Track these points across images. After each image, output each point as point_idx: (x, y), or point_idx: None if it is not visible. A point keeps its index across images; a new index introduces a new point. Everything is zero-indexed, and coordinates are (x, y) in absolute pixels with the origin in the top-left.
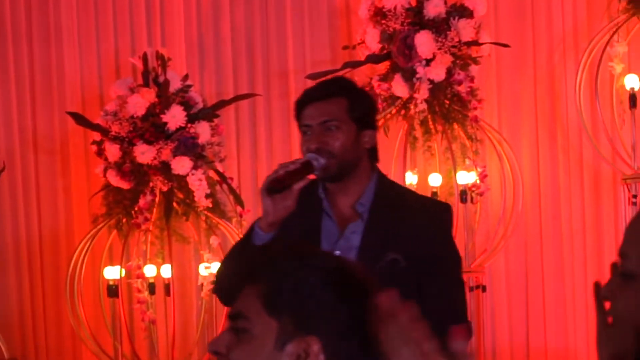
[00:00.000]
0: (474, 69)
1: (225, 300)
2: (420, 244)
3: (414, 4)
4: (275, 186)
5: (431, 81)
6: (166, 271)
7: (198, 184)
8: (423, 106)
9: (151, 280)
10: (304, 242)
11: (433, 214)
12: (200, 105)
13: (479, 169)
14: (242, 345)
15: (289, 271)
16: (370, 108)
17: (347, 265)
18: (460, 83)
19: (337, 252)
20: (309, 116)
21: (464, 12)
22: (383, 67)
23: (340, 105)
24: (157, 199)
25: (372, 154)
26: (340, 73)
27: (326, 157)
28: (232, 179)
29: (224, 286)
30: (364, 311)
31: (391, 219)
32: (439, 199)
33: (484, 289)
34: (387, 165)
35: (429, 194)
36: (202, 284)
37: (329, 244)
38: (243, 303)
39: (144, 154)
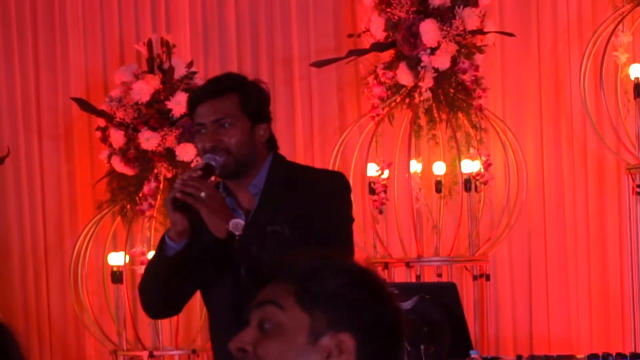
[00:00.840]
0: (478, 57)
1: (152, 313)
2: (305, 206)
3: None
4: (177, 204)
5: (436, 70)
6: None
7: None
8: (428, 95)
9: None
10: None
11: (321, 180)
12: None
13: (483, 158)
14: (271, 340)
15: (319, 267)
16: (263, 101)
17: (367, 267)
18: (464, 72)
19: None
20: (202, 115)
21: (469, 1)
22: (388, 55)
23: (233, 102)
24: (161, 186)
25: (270, 144)
26: (345, 61)
27: (223, 155)
28: None
29: (149, 302)
30: (394, 313)
31: (281, 192)
32: (443, 188)
33: (487, 277)
34: (392, 153)
35: (433, 183)
36: None
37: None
38: (273, 294)
39: (149, 140)
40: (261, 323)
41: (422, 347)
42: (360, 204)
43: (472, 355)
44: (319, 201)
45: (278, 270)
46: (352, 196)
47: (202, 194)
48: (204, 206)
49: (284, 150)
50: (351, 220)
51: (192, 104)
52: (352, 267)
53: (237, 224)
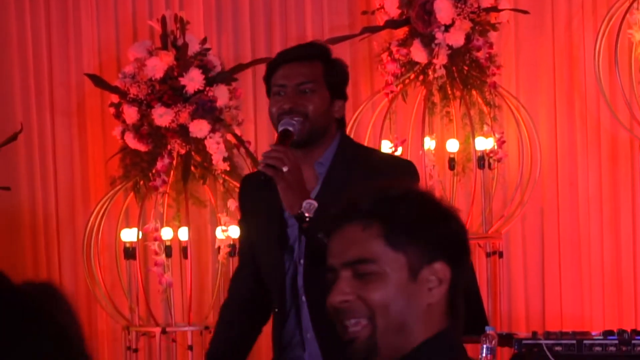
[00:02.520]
0: (492, 35)
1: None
2: None
3: None
4: (269, 179)
5: (450, 47)
6: (183, 234)
7: (216, 147)
8: (441, 72)
9: (168, 243)
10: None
11: (390, 168)
12: (219, 69)
13: (496, 135)
14: (374, 285)
15: (400, 204)
16: (345, 78)
17: (425, 191)
18: (479, 49)
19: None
20: (285, 76)
21: None
22: (402, 32)
23: (317, 69)
24: (174, 162)
25: (340, 124)
26: (358, 38)
27: (300, 119)
28: (249, 142)
29: None
30: (464, 230)
31: (348, 172)
32: (456, 165)
33: (500, 254)
34: (405, 131)
35: (446, 160)
36: (218, 247)
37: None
38: (362, 247)
39: (162, 116)
40: (357, 274)
41: None
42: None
43: (488, 332)
44: None
45: (350, 213)
46: None
47: (284, 168)
48: (282, 180)
49: None
50: None
51: (273, 65)
52: (424, 196)
53: (310, 204)
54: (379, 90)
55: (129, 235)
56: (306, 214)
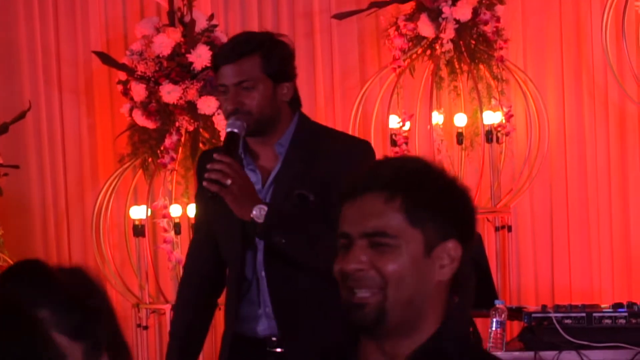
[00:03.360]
0: (499, 8)
1: None
2: (327, 175)
3: None
4: (215, 195)
5: (457, 21)
6: (192, 211)
7: (224, 123)
8: (449, 46)
9: (177, 220)
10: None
11: (347, 148)
12: None
13: (504, 109)
14: (390, 257)
15: (420, 181)
16: (286, 59)
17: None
18: (486, 23)
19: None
20: (224, 76)
21: None
22: (409, 7)
23: (254, 63)
24: (183, 139)
25: (293, 102)
26: (365, 13)
27: (244, 117)
28: None
29: None
30: (474, 210)
31: (306, 154)
32: (464, 139)
33: (509, 228)
34: (413, 105)
35: (454, 134)
36: None
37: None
38: (382, 221)
39: (170, 93)
40: (373, 244)
41: None
42: (381, 156)
43: (497, 305)
44: (342, 173)
45: (371, 182)
46: (375, 148)
47: (228, 181)
48: (227, 193)
49: (305, 103)
50: None
51: (214, 65)
52: (442, 172)
53: (260, 210)
54: (387, 65)
55: (138, 212)
56: (258, 221)
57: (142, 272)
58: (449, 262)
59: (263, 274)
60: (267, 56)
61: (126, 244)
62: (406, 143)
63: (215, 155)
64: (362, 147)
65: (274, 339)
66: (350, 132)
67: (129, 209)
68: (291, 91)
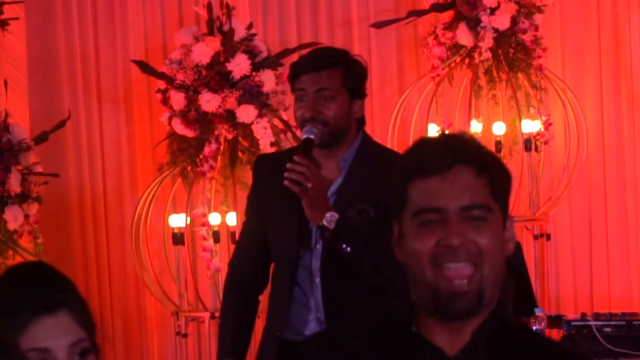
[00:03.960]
0: (538, 17)
1: None
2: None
3: None
4: (294, 195)
5: (495, 30)
6: (231, 219)
7: (263, 132)
8: (487, 55)
9: (216, 228)
10: None
11: None
12: (265, 54)
13: (543, 118)
14: (486, 232)
15: (499, 161)
16: (363, 78)
17: None
18: (524, 32)
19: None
20: (306, 82)
21: None
22: (447, 15)
23: (336, 76)
24: (222, 147)
25: (360, 121)
26: (404, 22)
27: (320, 126)
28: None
29: None
30: None
31: (368, 172)
32: (503, 148)
33: (548, 237)
34: (451, 114)
35: (493, 143)
36: None
37: None
38: (476, 194)
39: (209, 102)
40: (469, 217)
41: None
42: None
43: (537, 313)
44: None
45: (460, 155)
46: None
47: (309, 184)
48: (306, 196)
49: None
50: None
51: (295, 72)
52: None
53: (331, 216)
54: (425, 74)
55: (177, 221)
56: (329, 227)
57: (181, 280)
58: (512, 237)
59: (318, 280)
60: (348, 71)
61: (165, 252)
62: None
63: (295, 157)
64: None
65: None
66: (388, 141)
67: (168, 217)
68: (362, 109)
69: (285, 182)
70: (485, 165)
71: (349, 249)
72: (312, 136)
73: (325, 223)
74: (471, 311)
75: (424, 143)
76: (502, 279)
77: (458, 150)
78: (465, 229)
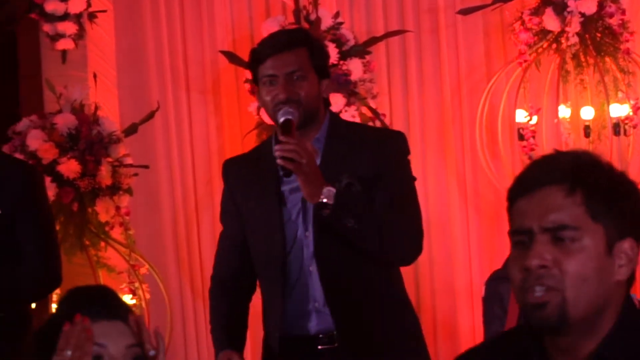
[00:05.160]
0: (624, 1)
1: None
2: (371, 166)
3: None
4: (289, 171)
5: (582, 14)
6: None
7: (351, 120)
8: (574, 39)
9: None
10: None
11: (383, 139)
12: (352, 43)
13: (631, 101)
14: (575, 255)
15: (604, 175)
16: (327, 57)
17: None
18: (611, 16)
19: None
20: (274, 67)
21: None
22: (534, 1)
23: (303, 55)
24: None
25: (326, 101)
26: (490, 8)
27: (294, 107)
28: (384, 115)
29: None
30: None
31: (345, 148)
32: (591, 132)
33: None
34: (539, 99)
35: (581, 127)
36: None
37: (292, 189)
38: (563, 214)
39: None
40: (556, 239)
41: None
42: (509, 151)
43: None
44: (387, 162)
45: (549, 175)
46: (501, 143)
47: (304, 160)
48: (302, 172)
49: (431, 98)
50: (414, 180)
51: (261, 57)
52: (612, 167)
53: (329, 191)
54: (512, 60)
55: None
56: (328, 202)
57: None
58: (627, 262)
59: (311, 268)
60: (313, 50)
61: None
62: (533, 137)
63: (281, 138)
64: (402, 138)
65: (321, 335)
66: (476, 127)
67: None
68: (328, 89)
69: (279, 161)
70: (580, 183)
71: (353, 221)
72: (290, 117)
73: (324, 199)
74: (553, 325)
75: (533, 162)
76: (619, 305)
77: (549, 170)
78: (552, 252)
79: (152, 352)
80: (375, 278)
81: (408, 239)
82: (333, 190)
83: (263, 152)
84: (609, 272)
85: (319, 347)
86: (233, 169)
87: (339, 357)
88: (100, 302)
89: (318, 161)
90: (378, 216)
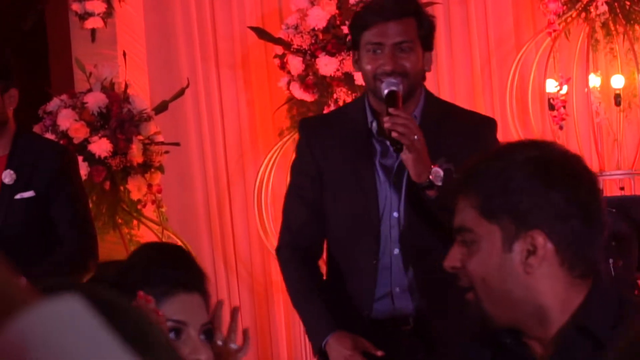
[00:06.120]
0: None
1: None
2: (463, 152)
3: None
4: (400, 148)
5: None
6: None
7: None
8: (604, 8)
9: None
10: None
11: (477, 125)
12: None
13: None
14: (474, 256)
15: (494, 174)
16: (432, 28)
17: (549, 152)
18: None
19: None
20: (381, 34)
21: None
22: None
23: (412, 26)
24: None
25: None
26: None
27: (400, 79)
28: None
29: None
30: (576, 191)
31: (439, 127)
32: (622, 101)
33: None
34: (569, 69)
35: (612, 96)
36: None
37: (385, 161)
38: (462, 216)
39: (327, 65)
40: (462, 240)
41: (610, 261)
42: (540, 121)
43: None
44: (478, 147)
45: (463, 182)
46: (532, 113)
47: (415, 137)
48: (414, 150)
49: (461, 70)
50: None
51: (368, 23)
52: (534, 158)
53: (437, 172)
54: (542, 30)
55: None
56: (436, 182)
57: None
58: (533, 252)
59: (397, 251)
60: (422, 21)
61: None
62: (564, 107)
63: (391, 110)
64: (488, 122)
65: (397, 318)
66: (507, 98)
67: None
68: (430, 62)
69: (394, 134)
70: (471, 186)
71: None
72: (395, 88)
73: (432, 178)
74: (484, 321)
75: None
76: (559, 287)
77: (460, 180)
78: (462, 253)
79: (234, 346)
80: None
81: None
82: (440, 171)
83: (351, 117)
84: (512, 267)
85: (400, 329)
86: (315, 128)
87: (412, 341)
88: (181, 268)
89: (381, 143)
90: None
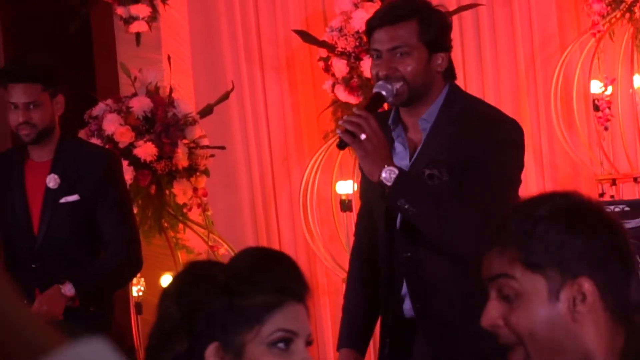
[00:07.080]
0: None
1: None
2: (472, 154)
3: None
4: (343, 143)
5: None
6: None
7: None
8: None
9: None
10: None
11: (498, 125)
12: None
13: None
14: (518, 310)
15: (533, 228)
16: (443, 29)
17: (580, 201)
18: None
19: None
20: (378, 41)
21: None
22: None
23: (411, 29)
24: None
25: (447, 74)
26: None
27: (398, 82)
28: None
29: None
30: (612, 235)
31: (453, 128)
32: None
33: None
34: (614, 69)
35: None
36: None
37: (400, 163)
38: (499, 267)
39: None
40: (501, 295)
41: None
42: (585, 122)
43: None
44: (490, 149)
45: (495, 236)
46: (577, 114)
47: (362, 136)
48: (359, 147)
49: (506, 71)
50: (517, 180)
51: (370, 28)
52: (565, 208)
53: (390, 172)
54: (586, 31)
55: (345, 187)
56: (387, 183)
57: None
58: (582, 301)
59: (408, 254)
60: (425, 23)
61: (334, 219)
62: (609, 108)
63: (354, 110)
64: (515, 127)
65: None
66: (551, 99)
67: (335, 184)
68: (446, 62)
69: (337, 131)
70: (513, 241)
71: (407, 206)
72: (382, 91)
73: (382, 179)
74: None
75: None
76: (603, 329)
77: (494, 233)
78: (501, 309)
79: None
80: (455, 269)
81: (464, 231)
82: (395, 172)
83: (382, 120)
84: (560, 316)
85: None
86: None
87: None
88: (302, 279)
89: (421, 143)
90: (443, 203)
